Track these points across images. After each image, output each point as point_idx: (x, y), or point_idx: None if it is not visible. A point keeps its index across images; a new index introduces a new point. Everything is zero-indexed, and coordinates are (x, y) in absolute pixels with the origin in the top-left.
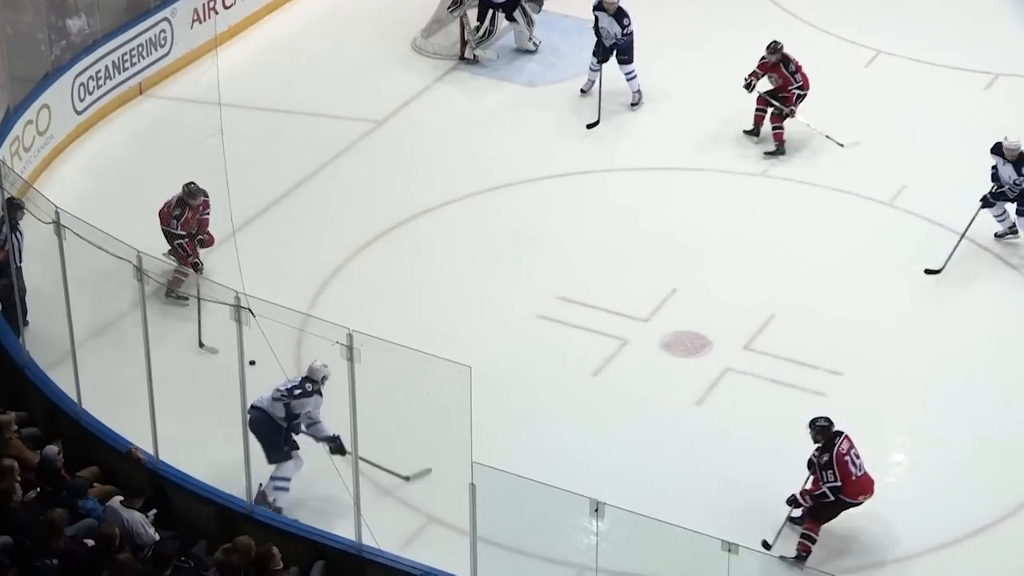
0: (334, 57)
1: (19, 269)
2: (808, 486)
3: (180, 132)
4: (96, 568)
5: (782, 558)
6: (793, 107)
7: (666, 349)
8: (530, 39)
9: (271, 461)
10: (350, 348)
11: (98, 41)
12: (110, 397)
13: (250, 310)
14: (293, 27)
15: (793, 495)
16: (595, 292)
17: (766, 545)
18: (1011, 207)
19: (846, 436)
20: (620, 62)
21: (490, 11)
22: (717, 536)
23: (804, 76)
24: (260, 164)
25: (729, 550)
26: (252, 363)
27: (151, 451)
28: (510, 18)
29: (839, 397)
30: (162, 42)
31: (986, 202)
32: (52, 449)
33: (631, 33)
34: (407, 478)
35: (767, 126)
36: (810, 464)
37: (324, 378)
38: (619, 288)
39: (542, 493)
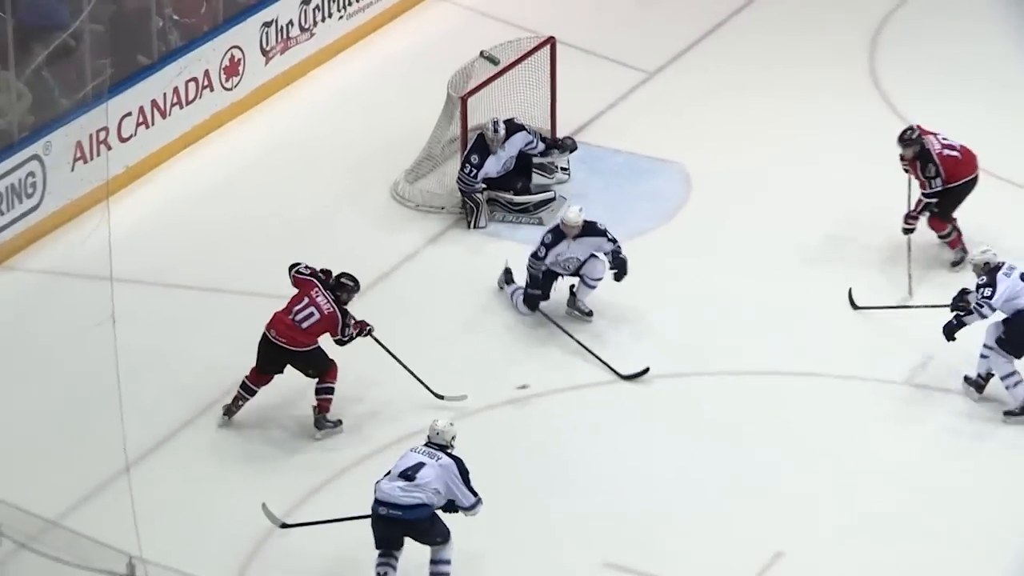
0: (280, 210)
1: None
2: None
3: (53, 319)
4: None
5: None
6: (911, 222)
7: None
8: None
9: (445, 542)
10: None
11: None
12: None
13: None
14: (219, 170)
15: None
16: (658, 557)
17: None
18: None
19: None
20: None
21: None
22: None
23: (950, 169)
24: (168, 365)
25: None
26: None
27: None
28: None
29: None
30: (29, 190)
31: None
32: None
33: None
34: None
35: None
36: None
37: (453, 436)
38: (696, 551)
39: None
